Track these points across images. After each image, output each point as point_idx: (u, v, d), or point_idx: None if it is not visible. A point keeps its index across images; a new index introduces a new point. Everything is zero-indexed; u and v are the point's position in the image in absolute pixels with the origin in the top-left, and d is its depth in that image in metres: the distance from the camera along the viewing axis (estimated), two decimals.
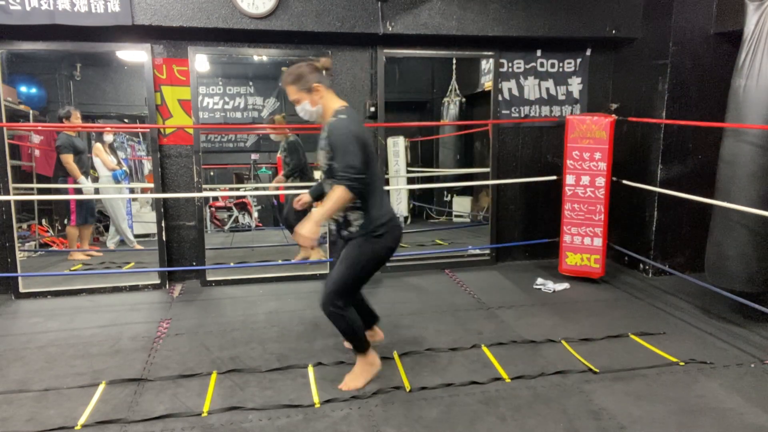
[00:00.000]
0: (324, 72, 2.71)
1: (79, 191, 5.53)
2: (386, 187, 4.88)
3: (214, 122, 8.39)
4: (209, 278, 4.69)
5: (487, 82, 6.11)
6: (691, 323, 3.73)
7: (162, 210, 4.60)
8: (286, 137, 5.58)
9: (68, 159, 5.38)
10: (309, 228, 2.54)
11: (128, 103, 7.27)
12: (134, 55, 4.61)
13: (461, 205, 7.75)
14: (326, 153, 2.64)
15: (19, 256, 4.46)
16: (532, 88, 5.17)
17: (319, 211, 2.57)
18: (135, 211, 6.77)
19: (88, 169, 5.70)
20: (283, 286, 4.65)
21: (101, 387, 2.86)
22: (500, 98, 5.13)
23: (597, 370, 3.01)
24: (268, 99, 8.56)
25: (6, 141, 4.28)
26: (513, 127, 5.22)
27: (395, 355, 3.21)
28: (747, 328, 3.61)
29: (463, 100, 7.25)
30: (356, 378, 2.86)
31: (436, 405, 2.68)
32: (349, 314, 2.75)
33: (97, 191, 6.00)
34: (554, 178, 4.98)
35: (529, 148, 5.27)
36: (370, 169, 2.61)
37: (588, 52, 5.20)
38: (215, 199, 7.78)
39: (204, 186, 4.65)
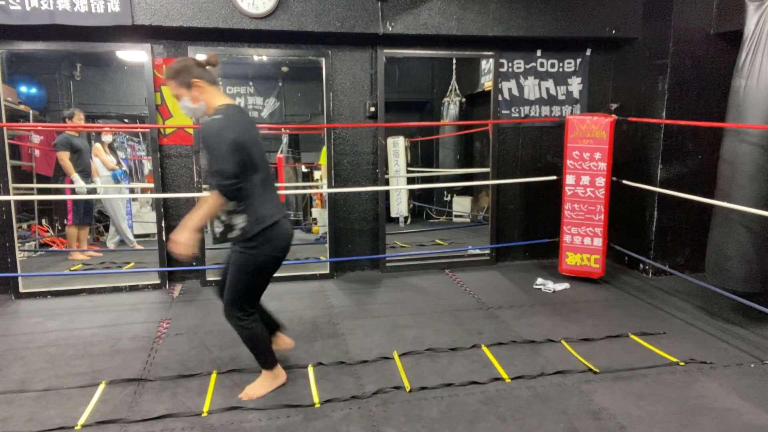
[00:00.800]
0: (209, 68, 2.58)
1: (79, 191, 5.53)
2: (380, 188, 4.93)
3: None
4: (209, 278, 4.69)
5: (487, 82, 6.11)
6: (691, 323, 3.73)
7: (162, 210, 4.60)
8: None
9: (63, 156, 5.38)
10: (183, 235, 2.37)
11: (128, 103, 7.28)
12: (134, 55, 4.60)
13: (461, 205, 7.76)
14: (203, 154, 2.50)
15: (19, 256, 4.46)
16: (532, 88, 5.17)
17: (193, 217, 2.41)
18: (135, 211, 6.78)
19: (88, 168, 5.70)
20: (283, 286, 4.65)
21: (101, 387, 2.86)
22: (500, 98, 5.13)
23: (597, 370, 3.01)
24: (268, 99, 8.57)
25: (6, 141, 4.29)
26: (513, 127, 5.23)
27: (395, 355, 3.22)
28: (747, 328, 3.61)
29: (463, 100, 7.25)
30: (257, 387, 2.79)
31: (436, 405, 2.68)
32: (254, 327, 2.68)
33: (96, 191, 5.99)
34: (554, 178, 4.98)
35: (529, 148, 5.27)
36: (249, 173, 2.47)
37: (588, 52, 5.20)
38: None
39: (204, 186, 4.65)
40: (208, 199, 2.42)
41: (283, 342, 3.14)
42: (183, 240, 2.39)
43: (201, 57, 2.62)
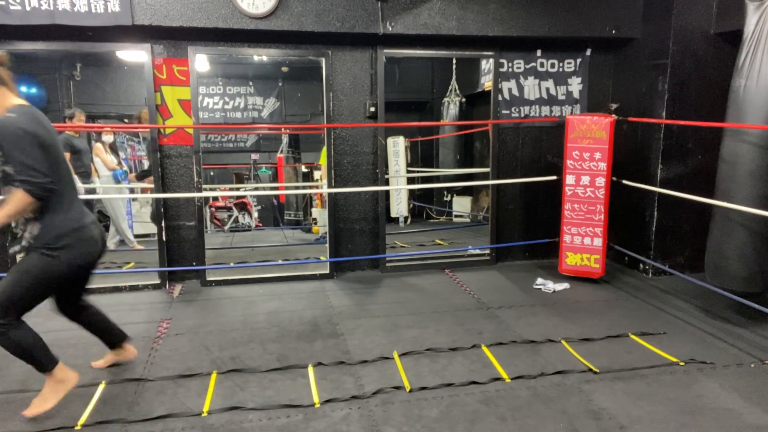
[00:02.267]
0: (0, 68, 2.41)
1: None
2: (380, 188, 4.93)
3: (214, 122, 8.40)
4: (209, 278, 4.69)
5: (487, 82, 6.12)
6: (691, 323, 3.73)
7: (162, 210, 4.60)
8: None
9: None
10: None
11: (128, 103, 7.29)
12: (134, 55, 4.61)
13: (461, 205, 7.76)
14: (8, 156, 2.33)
15: (19, 256, 4.44)
16: (532, 88, 5.17)
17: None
18: (135, 211, 6.77)
19: (88, 169, 5.69)
20: (283, 286, 4.65)
21: (101, 387, 2.87)
22: (500, 98, 5.13)
23: (597, 370, 3.01)
24: (268, 99, 8.58)
25: None
26: (513, 127, 5.22)
27: (395, 355, 3.22)
28: (747, 328, 3.61)
29: (463, 100, 7.25)
30: (44, 400, 2.58)
31: (436, 405, 2.68)
32: (16, 333, 2.43)
33: (96, 191, 5.99)
34: (554, 178, 4.98)
35: (529, 148, 5.27)
36: (55, 173, 2.38)
37: (588, 52, 5.20)
38: (215, 199, 7.78)
39: (204, 186, 4.64)
40: (14, 198, 2.28)
41: (129, 352, 3.08)
42: None
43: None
